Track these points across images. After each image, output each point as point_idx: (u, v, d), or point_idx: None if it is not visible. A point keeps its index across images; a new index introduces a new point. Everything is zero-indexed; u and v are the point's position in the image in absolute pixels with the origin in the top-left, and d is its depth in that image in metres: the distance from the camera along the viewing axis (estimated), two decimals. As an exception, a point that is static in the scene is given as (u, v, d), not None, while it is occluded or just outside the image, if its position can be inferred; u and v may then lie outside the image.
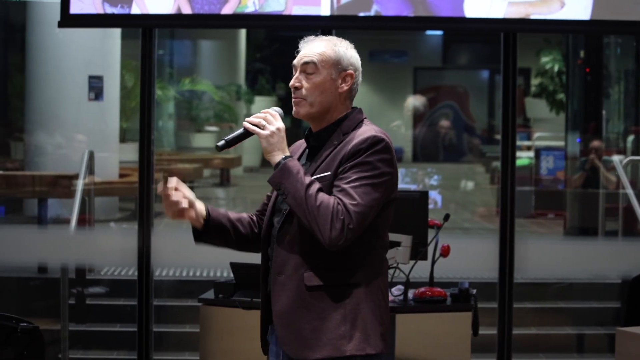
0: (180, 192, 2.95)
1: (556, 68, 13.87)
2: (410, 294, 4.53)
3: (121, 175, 9.19)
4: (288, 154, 2.91)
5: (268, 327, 3.07)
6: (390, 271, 4.26)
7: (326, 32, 5.38)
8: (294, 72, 3.02)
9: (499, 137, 5.65)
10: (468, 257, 5.77)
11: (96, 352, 6.62)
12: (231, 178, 12.87)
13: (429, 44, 18.05)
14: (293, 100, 3.00)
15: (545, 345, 6.75)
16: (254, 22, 5.62)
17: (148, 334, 5.53)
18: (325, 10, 5.32)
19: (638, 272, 5.09)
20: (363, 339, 2.88)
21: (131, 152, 8.59)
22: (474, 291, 4.60)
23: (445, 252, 4.59)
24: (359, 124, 2.98)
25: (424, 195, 4.65)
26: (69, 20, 5.38)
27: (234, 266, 4.52)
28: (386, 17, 5.34)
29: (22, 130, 9.01)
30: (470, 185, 12.79)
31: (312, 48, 3.00)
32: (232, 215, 3.11)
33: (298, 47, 3.04)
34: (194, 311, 5.79)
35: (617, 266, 6.28)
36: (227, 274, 6.13)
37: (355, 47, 3.06)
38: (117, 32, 8.92)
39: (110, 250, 6.36)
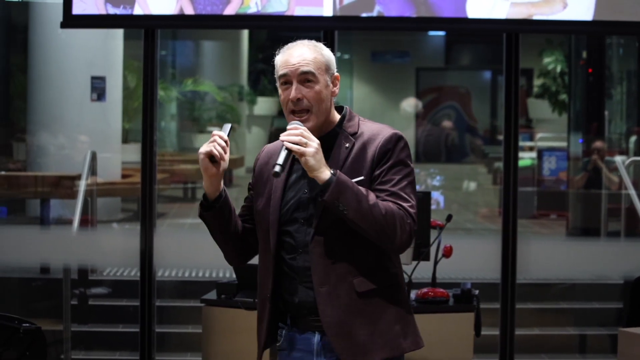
0: (227, 148, 2.90)
1: (559, 69, 13.86)
2: (413, 294, 4.53)
3: (123, 176, 9.18)
4: (329, 168, 2.82)
5: (271, 332, 3.01)
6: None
7: (329, 32, 5.39)
8: (283, 84, 2.95)
9: (501, 137, 5.65)
10: (470, 257, 5.76)
11: (98, 352, 6.63)
12: (234, 179, 12.85)
13: (431, 44, 18.01)
14: (295, 114, 2.91)
15: (548, 345, 6.75)
16: (257, 22, 5.63)
17: (150, 334, 5.54)
18: (327, 10, 5.32)
19: (640, 273, 5.09)
20: (414, 334, 2.95)
21: (134, 153, 8.57)
22: (477, 292, 4.60)
23: (448, 252, 4.59)
24: (358, 122, 2.97)
25: (426, 196, 4.65)
26: (71, 20, 5.39)
27: (236, 267, 4.52)
28: (388, 18, 5.34)
29: (25, 130, 9.00)
30: (472, 185, 12.78)
31: (303, 56, 2.93)
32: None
33: (274, 57, 2.97)
34: (196, 312, 5.79)
35: (619, 267, 6.27)
36: (230, 274, 6.14)
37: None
38: (119, 32, 8.91)
39: (112, 250, 6.36)
